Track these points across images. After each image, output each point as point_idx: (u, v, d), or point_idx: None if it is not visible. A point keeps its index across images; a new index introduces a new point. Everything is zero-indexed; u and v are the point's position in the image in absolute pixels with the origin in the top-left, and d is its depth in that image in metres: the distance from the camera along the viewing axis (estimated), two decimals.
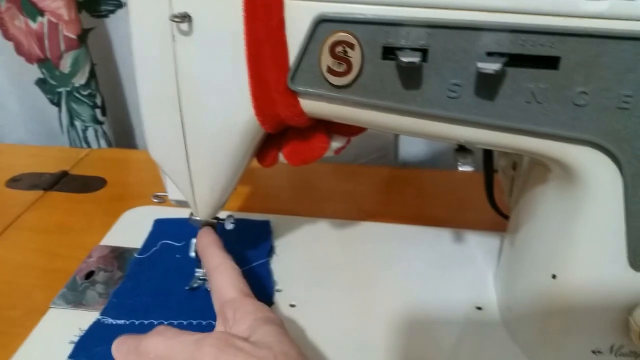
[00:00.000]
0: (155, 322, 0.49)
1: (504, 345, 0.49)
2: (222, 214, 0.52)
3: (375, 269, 0.58)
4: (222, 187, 0.46)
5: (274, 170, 0.54)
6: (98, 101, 0.85)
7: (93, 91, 0.84)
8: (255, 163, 0.47)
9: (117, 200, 0.71)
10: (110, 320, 0.50)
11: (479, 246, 0.61)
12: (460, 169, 0.41)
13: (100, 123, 0.87)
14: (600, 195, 0.38)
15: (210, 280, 0.45)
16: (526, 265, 0.48)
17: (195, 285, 0.53)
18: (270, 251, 0.60)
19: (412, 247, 0.61)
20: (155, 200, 0.50)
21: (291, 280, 0.56)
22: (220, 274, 0.44)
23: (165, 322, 0.49)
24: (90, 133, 0.88)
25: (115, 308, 0.51)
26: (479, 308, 0.53)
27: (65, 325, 0.50)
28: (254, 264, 0.57)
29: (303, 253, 0.60)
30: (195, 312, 0.51)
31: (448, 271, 0.58)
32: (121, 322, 0.50)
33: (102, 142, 0.89)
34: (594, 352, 0.44)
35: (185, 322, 0.49)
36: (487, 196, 0.52)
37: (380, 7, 0.34)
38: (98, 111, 0.86)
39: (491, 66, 0.33)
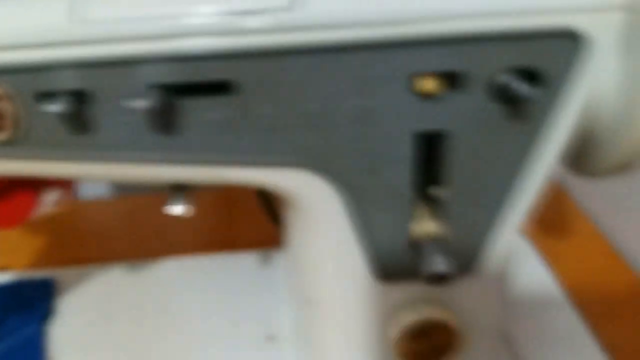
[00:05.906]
0: None
1: None
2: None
3: (160, 317, 0.54)
4: None
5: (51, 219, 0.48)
6: None
7: None
8: None
9: None
10: None
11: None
12: (169, 211, 0.37)
13: None
14: (323, 216, 0.36)
15: None
16: (290, 293, 0.45)
17: None
18: (45, 316, 0.53)
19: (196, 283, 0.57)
20: None
21: (71, 346, 0.51)
22: None
23: None
24: None
25: None
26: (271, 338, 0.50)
27: None
28: (17, 336, 0.51)
29: (88, 311, 0.55)
30: None
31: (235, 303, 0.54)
32: None
33: None
34: None
35: None
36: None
37: (21, 51, 0.30)
38: None
39: (143, 103, 0.29)
